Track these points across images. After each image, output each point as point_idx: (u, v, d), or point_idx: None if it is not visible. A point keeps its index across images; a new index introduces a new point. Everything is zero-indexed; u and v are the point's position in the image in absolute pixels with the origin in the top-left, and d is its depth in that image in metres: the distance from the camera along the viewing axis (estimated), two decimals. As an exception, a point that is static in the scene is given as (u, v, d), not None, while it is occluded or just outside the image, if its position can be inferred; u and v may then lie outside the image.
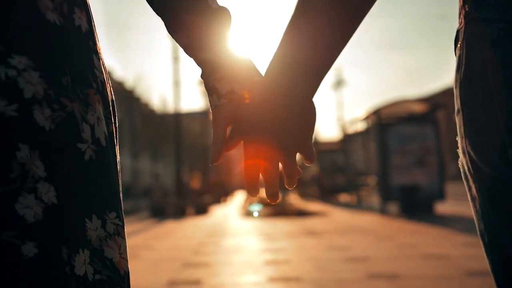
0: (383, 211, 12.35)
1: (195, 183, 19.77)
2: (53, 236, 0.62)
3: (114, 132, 0.76)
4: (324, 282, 4.41)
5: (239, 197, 34.10)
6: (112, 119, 0.75)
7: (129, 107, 34.36)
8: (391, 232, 8.35)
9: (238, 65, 0.77)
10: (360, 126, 17.67)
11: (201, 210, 15.74)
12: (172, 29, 0.80)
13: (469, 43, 0.69)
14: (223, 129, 0.76)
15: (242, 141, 0.74)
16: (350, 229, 9.17)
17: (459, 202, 13.58)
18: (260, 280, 4.60)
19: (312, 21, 0.67)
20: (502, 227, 0.66)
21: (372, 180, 15.69)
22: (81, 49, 0.70)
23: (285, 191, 15.83)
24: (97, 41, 0.76)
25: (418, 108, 13.26)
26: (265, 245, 7.13)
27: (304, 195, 25.49)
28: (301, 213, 13.33)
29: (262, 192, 0.76)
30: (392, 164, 12.25)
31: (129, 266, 0.73)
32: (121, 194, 0.74)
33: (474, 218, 0.72)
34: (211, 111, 0.78)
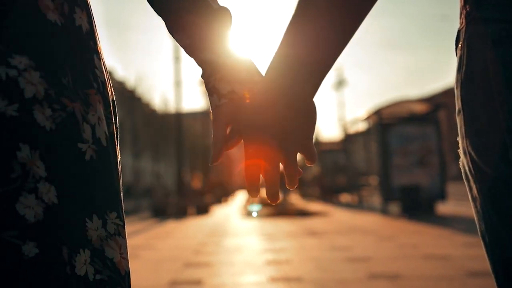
0: (384, 211, 12.34)
1: (196, 183, 19.78)
2: (54, 236, 0.62)
3: (115, 132, 0.76)
4: (325, 282, 4.41)
5: (240, 197, 34.11)
6: (113, 119, 0.75)
7: (130, 107, 34.39)
8: (392, 232, 8.34)
9: (238, 65, 0.77)
10: (361, 126, 17.68)
11: (202, 210, 15.74)
12: (173, 29, 0.80)
13: (470, 43, 0.69)
14: (223, 129, 0.76)
15: (243, 141, 0.74)
16: (351, 229, 9.16)
17: (460, 202, 13.57)
18: (261, 280, 4.60)
19: (313, 19, 0.67)
20: (503, 227, 0.66)
21: (373, 180, 15.69)
22: (81, 49, 0.70)
23: (286, 191, 15.83)
24: (98, 41, 0.76)
25: (419, 108, 13.26)
26: (266, 245, 7.13)
27: (305, 195, 25.49)
28: (302, 213, 13.32)
29: (263, 192, 0.76)
30: (393, 164, 12.25)
31: (130, 266, 0.73)
32: (121, 194, 0.74)
33: (475, 218, 0.72)
34: (211, 111, 0.78)
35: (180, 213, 14.74)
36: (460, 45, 0.71)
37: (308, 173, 26.14)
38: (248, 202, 17.18)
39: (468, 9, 0.70)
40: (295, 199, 21.98)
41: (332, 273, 4.80)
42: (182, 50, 0.82)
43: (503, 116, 0.63)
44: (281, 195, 0.76)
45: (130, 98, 34.75)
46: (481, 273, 4.42)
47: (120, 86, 34.90)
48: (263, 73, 0.74)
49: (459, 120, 0.71)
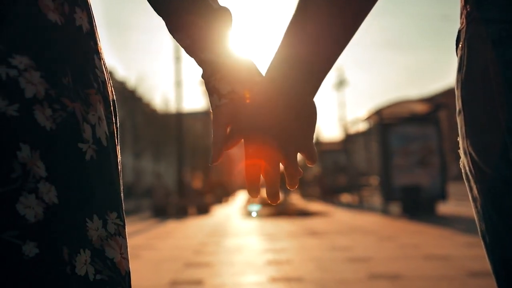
0: (385, 212, 12.34)
1: (197, 183, 19.78)
2: (54, 236, 0.62)
3: (115, 132, 0.76)
4: (326, 282, 4.41)
5: (241, 197, 34.12)
6: (113, 119, 0.75)
7: (131, 107, 34.42)
8: (393, 232, 8.34)
9: (239, 65, 0.77)
10: (362, 126, 17.68)
11: (203, 210, 15.74)
12: (173, 29, 0.80)
13: (471, 44, 0.69)
14: (223, 129, 0.75)
15: (243, 141, 0.74)
16: (351, 229, 9.16)
17: (461, 203, 13.56)
18: (261, 280, 4.60)
19: (314, 18, 0.67)
20: (504, 228, 0.66)
21: (373, 180, 15.68)
22: (82, 49, 0.70)
23: (286, 191, 15.83)
24: (98, 41, 0.76)
25: (420, 108, 13.25)
26: (266, 245, 7.13)
27: (306, 195, 25.49)
28: (303, 213, 13.32)
29: (263, 193, 0.76)
30: (394, 164, 12.25)
31: (130, 266, 0.73)
32: (122, 194, 0.74)
33: (476, 218, 0.72)
34: (211, 111, 0.78)
35: (181, 213, 14.75)
36: (460, 45, 0.71)
37: (308, 173, 26.14)
38: (249, 202, 17.18)
39: (468, 9, 0.69)
40: (296, 199, 21.98)
41: (332, 273, 4.80)
42: (182, 50, 0.82)
43: (503, 117, 0.63)
44: (281, 195, 0.76)
45: (131, 98, 34.78)
46: (482, 273, 4.42)
47: (121, 86, 34.90)
48: (264, 73, 0.74)
49: (459, 121, 0.71)
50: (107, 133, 0.71)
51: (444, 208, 12.47)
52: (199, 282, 4.58)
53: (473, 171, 0.69)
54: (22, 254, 0.59)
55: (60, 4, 0.68)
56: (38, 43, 0.64)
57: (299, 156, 0.75)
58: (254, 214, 14.04)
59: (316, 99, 0.72)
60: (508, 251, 0.66)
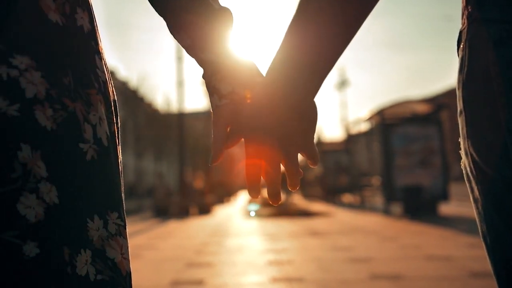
0: (386, 212, 12.33)
1: (199, 183, 19.79)
2: (55, 236, 0.62)
3: (116, 132, 0.76)
4: (327, 282, 4.40)
5: (243, 197, 34.13)
6: (114, 119, 0.75)
7: (132, 107, 34.44)
8: (395, 232, 8.33)
9: (239, 66, 0.77)
10: (364, 127, 17.68)
11: (204, 210, 15.75)
12: (174, 29, 0.80)
13: (472, 44, 0.68)
14: (223, 130, 0.75)
15: (243, 141, 0.74)
16: (353, 229, 9.16)
17: (463, 203, 13.54)
18: (263, 281, 4.60)
19: (315, 18, 0.67)
20: (505, 229, 0.65)
21: (375, 180, 15.67)
22: (83, 49, 0.70)
23: (288, 191, 15.84)
24: (99, 41, 0.76)
25: (422, 108, 13.24)
26: (268, 246, 7.13)
27: (307, 196, 25.49)
28: (304, 214, 13.32)
29: (265, 193, 0.76)
30: (396, 164, 12.23)
31: (131, 265, 0.73)
32: (123, 194, 0.74)
33: (477, 219, 0.72)
34: (211, 111, 0.78)
35: (182, 213, 14.75)
36: (462, 46, 0.71)
37: (310, 173, 26.13)
38: (250, 202, 17.19)
39: (469, 10, 0.69)
40: (297, 199, 21.98)
41: (334, 274, 4.80)
42: (184, 50, 0.82)
43: (504, 117, 0.63)
44: (283, 196, 0.75)
45: (132, 98, 34.81)
46: (484, 274, 4.41)
47: (122, 86, 34.94)
48: (264, 73, 0.74)
49: (460, 121, 0.71)
50: (108, 133, 0.71)
51: (446, 208, 12.45)
52: (200, 282, 4.58)
53: (474, 171, 0.69)
54: (23, 254, 0.59)
55: (61, 4, 0.68)
56: (39, 43, 0.64)
57: (300, 156, 0.75)
58: (252, 213, 14.04)
59: (318, 99, 0.72)
60: (509, 251, 0.66)
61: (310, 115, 0.72)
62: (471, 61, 0.68)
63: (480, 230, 0.71)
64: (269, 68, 0.71)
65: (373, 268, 4.99)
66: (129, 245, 0.73)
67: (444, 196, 11.98)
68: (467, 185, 0.73)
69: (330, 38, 0.67)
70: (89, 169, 0.67)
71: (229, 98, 0.76)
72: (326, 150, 25.66)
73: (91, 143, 0.67)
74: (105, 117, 0.71)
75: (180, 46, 0.82)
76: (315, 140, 0.77)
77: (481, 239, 0.72)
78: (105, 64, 0.76)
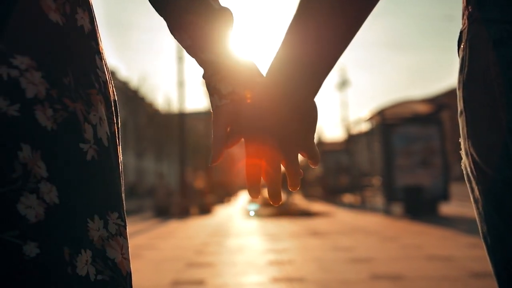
0: (387, 212, 12.32)
1: (199, 183, 19.78)
2: (55, 236, 0.62)
3: (117, 132, 0.76)
4: (328, 282, 4.40)
5: (243, 197, 34.12)
6: (115, 119, 0.75)
7: (133, 107, 34.46)
8: (395, 233, 8.33)
9: (239, 66, 0.77)
10: (364, 127, 17.68)
11: (205, 210, 15.75)
12: (174, 29, 0.80)
13: (472, 44, 0.68)
14: (223, 130, 0.75)
15: (244, 141, 0.74)
16: (354, 229, 9.15)
17: (464, 203, 13.54)
18: (263, 281, 4.60)
19: (316, 16, 0.66)
20: (505, 229, 0.65)
21: (376, 180, 15.67)
22: (83, 49, 0.70)
23: (288, 191, 15.83)
24: (100, 41, 0.76)
25: (423, 108, 13.23)
26: (268, 246, 7.13)
27: (308, 196, 25.48)
28: (305, 214, 13.32)
29: (266, 193, 0.76)
30: (396, 164, 12.23)
31: (132, 265, 0.73)
32: (123, 195, 0.74)
33: (477, 220, 0.72)
34: (211, 111, 0.78)
35: (183, 213, 14.75)
36: (462, 46, 0.71)
37: (311, 174, 26.14)
38: (251, 202, 17.19)
39: (470, 10, 0.69)
40: (298, 199, 21.97)
41: (334, 274, 4.79)
42: (185, 50, 0.82)
43: (504, 117, 0.63)
44: (283, 196, 0.75)
45: (133, 98, 34.81)
46: (484, 274, 4.41)
47: (123, 86, 34.94)
48: (265, 73, 0.74)
49: (461, 121, 0.71)
50: (108, 133, 0.71)
51: (447, 208, 12.45)
52: (200, 282, 4.58)
53: (474, 172, 0.69)
54: (23, 254, 0.59)
55: (61, 4, 0.68)
56: (39, 43, 0.64)
57: (300, 156, 0.75)
58: (252, 213, 14.03)
59: (318, 99, 0.72)
60: (509, 252, 0.66)
61: (310, 115, 0.72)
62: (471, 61, 0.68)
63: (480, 231, 0.71)
64: (269, 68, 0.71)
65: (374, 268, 4.99)
66: (129, 245, 0.73)
67: (445, 196, 11.97)
68: (468, 185, 0.72)
69: (331, 38, 0.67)
70: (89, 169, 0.67)
71: (229, 98, 0.76)
72: (327, 150, 25.66)
73: (91, 143, 0.67)
74: (105, 117, 0.71)
75: (181, 46, 0.82)
76: (315, 140, 0.77)
77: (482, 240, 0.72)
78: (106, 64, 0.76)
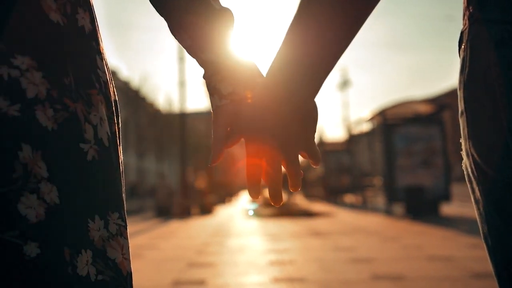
0: (388, 212, 12.32)
1: (200, 183, 19.79)
2: (56, 237, 0.62)
3: (117, 133, 0.76)
4: (329, 282, 4.40)
5: (244, 197, 34.13)
6: (115, 119, 0.75)
7: (134, 107, 34.47)
8: (396, 233, 8.32)
9: (240, 66, 0.77)
10: (366, 127, 17.67)
11: (206, 210, 15.75)
12: (175, 29, 0.80)
13: (473, 45, 0.68)
14: (223, 130, 0.76)
15: (244, 141, 0.74)
16: (355, 230, 9.15)
17: (465, 204, 13.53)
18: (264, 281, 4.60)
19: (317, 17, 0.66)
20: (506, 230, 0.65)
21: (377, 180, 15.66)
22: (84, 49, 0.70)
23: (290, 192, 15.79)
24: (101, 42, 0.76)
25: (424, 108, 13.22)
26: (269, 246, 7.13)
27: (309, 196, 25.47)
28: (306, 214, 13.31)
29: (266, 193, 0.76)
30: (398, 165, 12.22)
31: (133, 265, 0.73)
32: (124, 195, 0.74)
33: (478, 220, 0.71)
34: (212, 111, 0.78)
35: (184, 213, 14.76)
36: (463, 47, 0.71)
37: (312, 174, 26.13)
38: (252, 202, 17.19)
39: (471, 10, 0.69)
40: (299, 200, 21.96)
41: (335, 274, 4.79)
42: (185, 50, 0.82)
43: (505, 118, 0.63)
44: (284, 196, 0.75)
45: (134, 98, 34.81)
46: (485, 275, 4.40)
47: (124, 86, 34.94)
48: (265, 74, 0.74)
49: (462, 122, 0.71)
50: (109, 134, 0.71)
51: (448, 209, 12.44)
52: (201, 282, 4.58)
53: (475, 172, 0.69)
54: (24, 254, 0.59)
55: (62, 4, 0.68)
56: (40, 44, 0.64)
57: (301, 157, 0.75)
58: (251, 212, 14.02)
59: (320, 99, 0.72)
60: (510, 253, 0.66)
61: (310, 115, 0.71)
62: (472, 62, 0.68)
63: (481, 231, 0.71)
64: (270, 69, 0.71)
65: (375, 268, 4.99)
66: (130, 245, 0.73)
67: (446, 196, 11.96)
68: (468, 186, 0.72)
69: (331, 38, 0.67)
70: (90, 170, 0.67)
71: (229, 99, 0.76)
72: (328, 150, 25.64)
73: (92, 143, 0.67)
74: (106, 118, 0.71)
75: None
76: (317, 140, 0.77)
77: (482, 240, 0.72)
78: (106, 65, 0.76)
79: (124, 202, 0.74)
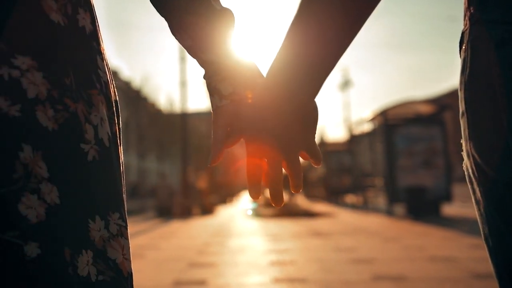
0: (389, 213, 12.31)
1: (201, 183, 19.79)
2: (56, 237, 0.62)
3: (118, 133, 0.76)
4: (330, 283, 4.40)
5: (245, 197, 34.13)
6: (116, 119, 0.75)
7: (136, 107, 34.47)
8: (397, 233, 8.32)
9: (240, 67, 0.77)
10: (367, 127, 17.66)
11: (207, 210, 15.75)
12: (175, 30, 0.80)
13: (474, 45, 0.68)
14: (223, 130, 0.76)
15: (244, 141, 0.74)
16: (356, 230, 9.15)
17: (466, 204, 13.51)
18: (265, 281, 4.60)
19: (317, 17, 0.66)
20: (506, 231, 0.65)
21: (378, 181, 15.65)
22: (84, 49, 0.70)
23: (291, 192, 15.77)
24: (101, 42, 0.76)
25: (425, 109, 13.22)
26: (270, 246, 7.13)
27: (310, 196, 25.47)
28: (307, 214, 13.31)
29: (267, 193, 0.76)
30: (399, 165, 12.21)
31: (134, 265, 0.73)
32: (124, 195, 0.74)
33: (479, 221, 0.71)
34: (212, 111, 0.78)
35: (185, 213, 14.76)
36: (464, 47, 0.71)
37: (313, 174, 26.12)
38: (252, 202, 17.18)
39: (472, 11, 0.69)
40: (300, 200, 21.96)
41: (336, 274, 4.79)
42: (186, 51, 0.82)
43: (506, 118, 0.63)
44: (285, 197, 0.75)
45: (135, 98, 34.82)
46: (486, 275, 4.40)
47: (126, 86, 34.95)
48: (265, 74, 0.74)
49: (462, 122, 0.71)
50: (110, 134, 0.71)
51: (449, 209, 12.43)
52: (202, 282, 4.58)
53: (476, 173, 0.69)
54: (24, 254, 0.59)
55: (63, 5, 0.68)
56: (40, 44, 0.64)
57: (301, 158, 0.75)
58: (249, 212, 14.02)
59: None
60: (511, 253, 0.65)
61: (311, 115, 0.71)
62: (473, 63, 0.68)
63: (482, 232, 0.71)
64: (270, 69, 0.70)
65: (376, 269, 4.98)
66: (131, 245, 0.73)
67: (447, 197, 11.95)
68: (469, 186, 0.72)
69: (332, 37, 0.67)
70: (90, 170, 0.67)
71: (229, 99, 0.76)
72: (329, 151, 25.62)
73: (92, 143, 0.67)
74: (106, 118, 0.72)
75: (182, 46, 0.82)
76: (318, 141, 0.77)
77: (483, 241, 0.71)
78: (107, 65, 0.76)
79: (125, 202, 0.74)
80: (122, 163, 0.76)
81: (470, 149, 0.69)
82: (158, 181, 24.02)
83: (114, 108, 0.75)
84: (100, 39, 0.75)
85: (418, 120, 12.75)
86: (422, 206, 11.56)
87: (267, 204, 14.83)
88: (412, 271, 4.82)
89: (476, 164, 0.68)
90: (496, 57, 0.64)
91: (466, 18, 0.71)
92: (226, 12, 0.78)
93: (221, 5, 0.79)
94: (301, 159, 0.75)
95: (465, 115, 0.70)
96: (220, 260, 5.95)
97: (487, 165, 0.66)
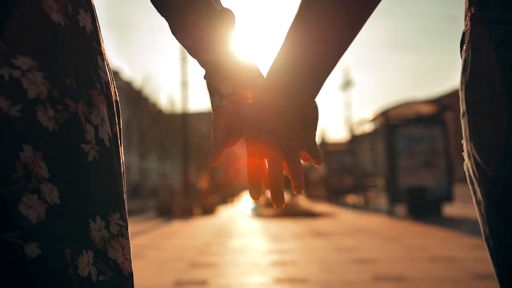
0: (390, 213, 12.30)
1: (202, 183, 19.79)
2: (57, 237, 0.62)
3: (118, 133, 0.76)
4: (331, 283, 4.40)
5: (246, 197, 34.13)
6: (116, 120, 0.75)
7: (137, 107, 34.48)
8: (398, 234, 8.31)
9: (240, 67, 0.77)
10: (368, 127, 17.66)
11: (208, 210, 15.75)
12: (176, 30, 0.80)
13: (475, 46, 0.68)
14: (223, 130, 0.76)
15: (244, 141, 0.74)
16: (357, 230, 9.14)
17: (467, 204, 13.50)
18: (266, 281, 4.60)
19: (318, 17, 0.66)
20: (507, 231, 0.65)
21: (379, 181, 15.65)
22: (85, 50, 0.70)
23: (293, 193, 15.77)
24: (102, 42, 0.76)
25: (426, 109, 13.21)
26: (271, 246, 7.12)
27: (311, 196, 25.45)
28: (308, 214, 13.30)
29: (268, 194, 0.75)
30: (400, 165, 12.21)
31: (134, 265, 0.73)
32: (125, 195, 0.74)
33: (479, 222, 0.71)
34: (212, 111, 0.78)
35: (186, 213, 14.75)
36: (465, 48, 0.71)
37: (314, 174, 26.10)
38: (253, 202, 17.17)
39: (472, 11, 0.69)
40: (301, 200, 21.95)
41: (337, 274, 4.79)
42: (187, 51, 0.82)
43: (506, 119, 0.63)
44: (286, 197, 0.75)
45: (136, 98, 34.81)
46: (487, 276, 4.40)
47: (126, 86, 34.96)
48: (265, 74, 0.74)
49: (463, 123, 0.71)
50: (110, 134, 0.71)
51: (450, 209, 12.42)
52: (203, 282, 4.58)
53: (476, 174, 0.69)
54: (24, 254, 0.59)
55: (63, 5, 0.68)
56: (41, 44, 0.64)
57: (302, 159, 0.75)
58: (248, 212, 14.01)
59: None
60: (511, 254, 0.65)
61: (311, 115, 0.71)
62: (473, 63, 0.68)
63: (482, 233, 0.71)
64: (270, 68, 0.70)
65: (377, 269, 4.98)
66: (132, 245, 0.73)
67: (448, 197, 11.94)
68: (470, 187, 0.72)
69: (333, 37, 0.67)
70: (90, 170, 0.67)
71: (229, 99, 0.76)
72: (330, 151, 25.61)
73: (93, 143, 0.67)
74: (107, 118, 0.72)
75: (183, 46, 0.82)
76: (319, 141, 0.76)
77: (484, 241, 0.71)
78: (108, 65, 0.76)
79: (125, 203, 0.74)
80: (122, 163, 0.76)
81: (471, 149, 0.69)
82: (159, 181, 24.03)
83: (115, 108, 0.75)
84: (101, 39, 0.75)
85: (419, 120, 12.74)
86: (423, 207, 11.55)
87: (268, 204, 14.83)
88: (413, 271, 4.81)
89: (476, 164, 0.68)
90: (496, 57, 0.64)
91: (467, 18, 0.71)
92: (227, 12, 0.78)
93: (221, 5, 0.79)
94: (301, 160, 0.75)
95: (466, 115, 0.70)
96: (221, 260, 5.95)
97: (488, 165, 0.66)
